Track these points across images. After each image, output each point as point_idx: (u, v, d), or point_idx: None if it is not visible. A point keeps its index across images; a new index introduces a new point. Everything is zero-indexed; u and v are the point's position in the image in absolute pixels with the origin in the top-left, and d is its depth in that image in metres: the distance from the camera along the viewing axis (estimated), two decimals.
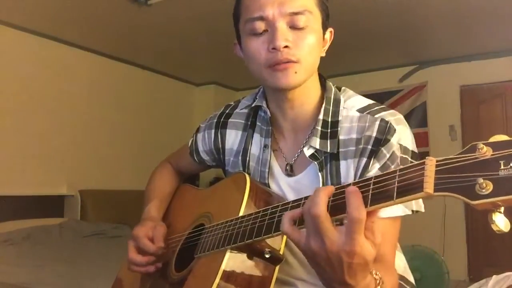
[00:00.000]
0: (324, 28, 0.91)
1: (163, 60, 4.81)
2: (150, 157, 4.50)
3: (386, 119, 0.86)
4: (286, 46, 0.83)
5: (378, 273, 0.66)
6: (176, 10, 3.53)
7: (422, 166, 0.52)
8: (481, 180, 0.45)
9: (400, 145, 0.84)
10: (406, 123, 0.89)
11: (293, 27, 0.85)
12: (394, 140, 0.84)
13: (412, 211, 0.83)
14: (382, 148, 0.84)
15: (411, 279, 0.99)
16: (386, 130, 0.85)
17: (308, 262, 0.63)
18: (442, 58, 4.64)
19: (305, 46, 0.85)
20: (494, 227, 0.46)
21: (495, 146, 0.47)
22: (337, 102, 0.93)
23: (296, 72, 0.85)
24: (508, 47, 4.26)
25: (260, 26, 0.86)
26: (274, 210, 0.72)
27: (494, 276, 2.00)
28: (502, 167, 0.45)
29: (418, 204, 0.84)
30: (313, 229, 0.59)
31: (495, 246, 4.29)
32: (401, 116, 0.89)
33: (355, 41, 4.06)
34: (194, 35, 4.07)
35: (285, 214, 0.64)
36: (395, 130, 0.85)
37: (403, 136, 0.85)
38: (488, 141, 0.48)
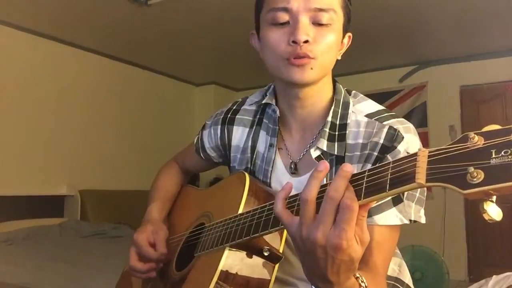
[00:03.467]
0: (344, 31, 0.90)
1: (163, 60, 4.82)
2: (150, 157, 4.53)
3: (395, 127, 0.84)
4: (306, 41, 0.82)
5: (365, 280, 0.63)
6: (176, 10, 3.53)
7: (415, 157, 0.52)
8: (472, 169, 0.45)
9: (408, 153, 0.82)
10: (415, 132, 0.86)
11: (316, 23, 0.84)
12: (401, 148, 0.82)
13: (410, 220, 0.81)
14: (388, 156, 0.82)
15: (407, 280, 0.97)
16: (394, 138, 0.83)
17: (294, 248, 0.62)
18: (442, 58, 4.64)
19: (324, 43, 0.84)
20: (486, 216, 0.46)
21: (487, 135, 0.46)
22: (346, 105, 0.92)
23: (312, 69, 0.83)
24: (508, 47, 4.26)
25: (283, 17, 0.84)
26: (271, 206, 0.71)
27: (494, 276, 2.01)
28: (493, 155, 0.44)
29: (417, 215, 0.82)
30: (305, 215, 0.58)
31: (495, 246, 4.29)
32: (410, 125, 0.87)
33: (355, 41, 3.96)
34: (194, 35, 4.07)
35: (278, 194, 0.62)
36: (403, 137, 0.83)
37: (411, 145, 0.83)
38: (480, 131, 0.47)
